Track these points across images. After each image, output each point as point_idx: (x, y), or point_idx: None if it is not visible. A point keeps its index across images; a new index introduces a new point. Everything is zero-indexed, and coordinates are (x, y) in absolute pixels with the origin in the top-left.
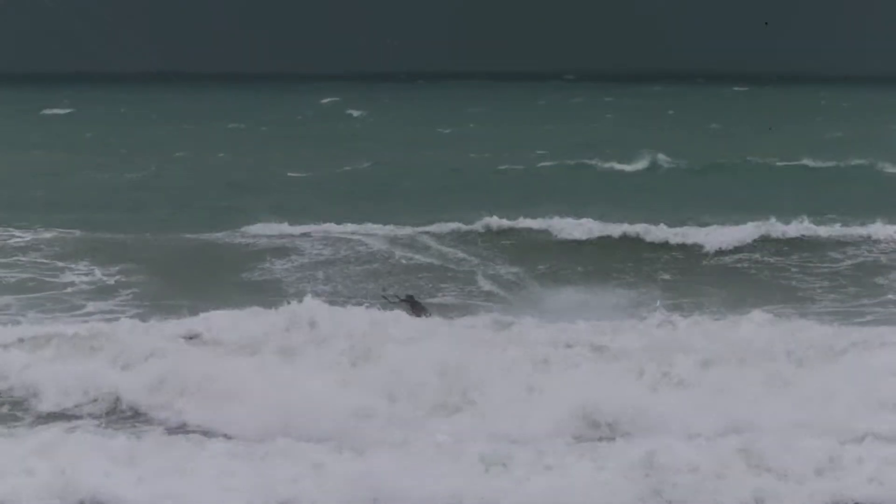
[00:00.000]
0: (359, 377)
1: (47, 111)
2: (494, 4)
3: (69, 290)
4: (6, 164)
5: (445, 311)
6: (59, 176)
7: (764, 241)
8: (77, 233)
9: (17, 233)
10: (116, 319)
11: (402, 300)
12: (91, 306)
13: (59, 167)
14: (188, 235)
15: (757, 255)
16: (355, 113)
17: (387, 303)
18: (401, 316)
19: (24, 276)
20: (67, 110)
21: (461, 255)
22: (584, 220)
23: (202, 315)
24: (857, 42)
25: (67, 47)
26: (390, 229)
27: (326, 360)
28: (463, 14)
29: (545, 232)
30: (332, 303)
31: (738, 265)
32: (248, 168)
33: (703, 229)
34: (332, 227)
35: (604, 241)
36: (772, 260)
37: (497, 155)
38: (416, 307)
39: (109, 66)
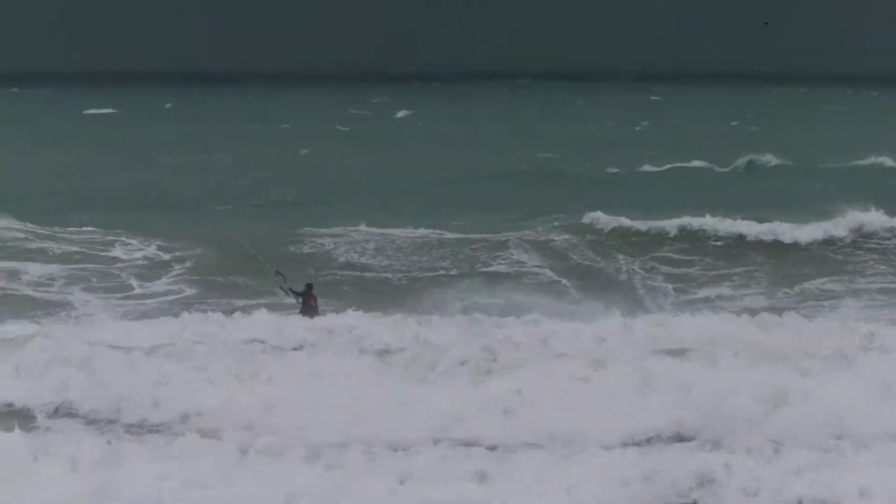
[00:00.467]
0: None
1: (91, 111)
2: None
3: (120, 274)
4: (50, 163)
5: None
6: (104, 174)
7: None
8: (120, 231)
9: (59, 229)
10: (176, 314)
11: (287, 287)
12: (143, 293)
13: (100, 166)
14: (240, 231)
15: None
16: (403, 113)
17: (281, 282)
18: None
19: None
20: (110, 110)
21: (503, 238)
22: (619, 217)
23: (256, 315)
24: None
25: (110, 46)
26: (442, 222)
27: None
28: (511, 15)
29: (587, 226)
30: (382, 281)
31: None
32: (296, 166)
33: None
34: (378, 219)
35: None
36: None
37: (550, 154)
38: (307, 297)
39: (153, 65)
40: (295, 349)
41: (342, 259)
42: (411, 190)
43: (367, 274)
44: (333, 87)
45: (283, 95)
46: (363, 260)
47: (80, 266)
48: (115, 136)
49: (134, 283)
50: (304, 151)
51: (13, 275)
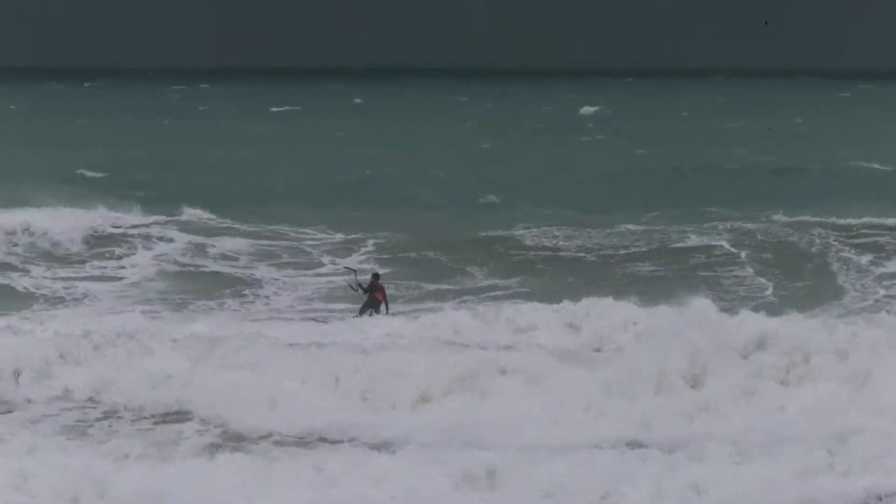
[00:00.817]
0: None
1: (275, 108)
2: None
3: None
4: (235, 158)
5: None
6: (300, 169)
7: None
8: (313, 221)
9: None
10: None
11: (355, 282)
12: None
13: (282, 161)
14: (432, 219)
15: None
16: (587, 109)
17: (352, 279)
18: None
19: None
20: (297, 107)
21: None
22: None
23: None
24: None
25: (295, 42)
26: (631, 214)
27: None
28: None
29: (776, 220)
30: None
31: None
32: (482, 159)
33: None
34: (567, 209)
35: None
36: None
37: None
38: (373, 289)
39: (343, 62)
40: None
41: (530, 242)
42: (597, 182)
43: (560, 254)
44: (518, 83)
45: (464, 91)
46: (554, 243)
47: (271, 243)
48: (305, 131)
49: (325, 259)
50: (486, 146)
51: (201, 249)
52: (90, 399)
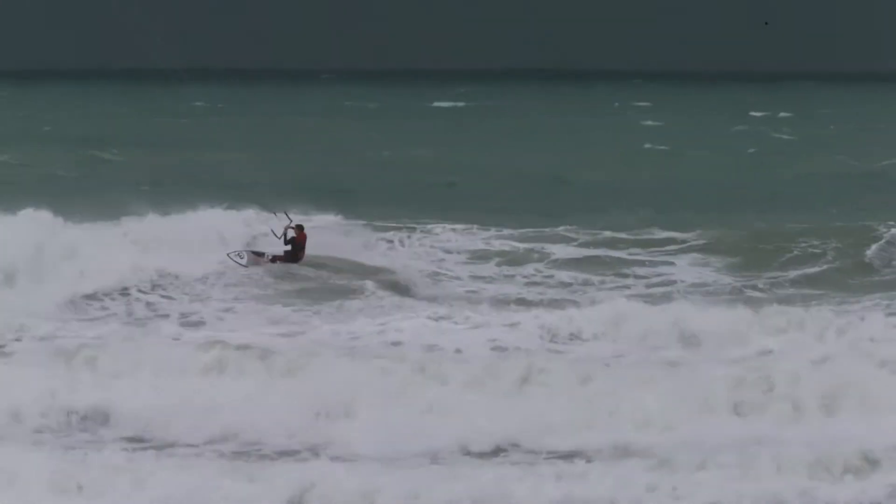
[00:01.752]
0: None
1: (438, 104)
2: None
3: None
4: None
5: None
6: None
7: None
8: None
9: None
10: None
11: (283, 230)
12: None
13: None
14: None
15: None
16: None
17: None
18: None
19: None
20: (461, 103)
21: None
22: None
23: None
24: None
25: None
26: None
27: None
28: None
29: None
30: None
31: None
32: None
33: None
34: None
35: None
36: None
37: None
38: (296, 247)
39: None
40: None
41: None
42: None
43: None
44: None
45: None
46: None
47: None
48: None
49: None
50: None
51: None
52: None
